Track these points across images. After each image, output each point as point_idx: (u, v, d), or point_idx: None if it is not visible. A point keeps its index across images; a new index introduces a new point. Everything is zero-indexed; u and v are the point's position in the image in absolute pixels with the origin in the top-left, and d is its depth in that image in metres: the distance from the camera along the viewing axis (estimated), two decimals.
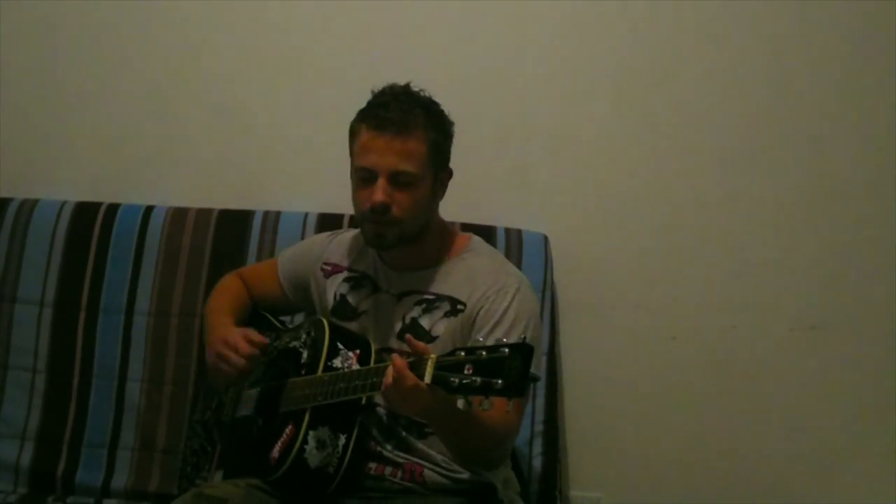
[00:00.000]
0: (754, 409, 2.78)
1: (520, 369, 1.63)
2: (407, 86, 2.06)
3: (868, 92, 2.70)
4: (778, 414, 2.78)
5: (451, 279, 2.09)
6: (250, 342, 2.09)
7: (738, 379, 2.78)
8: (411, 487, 2.04)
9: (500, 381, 1.63)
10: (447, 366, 1.70)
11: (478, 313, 2.03)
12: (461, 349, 1.72)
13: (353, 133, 2.05)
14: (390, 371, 1.77)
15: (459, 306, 2.05)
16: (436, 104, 2.07)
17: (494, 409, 1.76)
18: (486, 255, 2.16)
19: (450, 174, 2.12)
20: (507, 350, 1.65)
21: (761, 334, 2.76)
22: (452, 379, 1.67)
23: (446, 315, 2.05)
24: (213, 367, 2.15)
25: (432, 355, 1.73)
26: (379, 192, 1.98)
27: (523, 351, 1.65)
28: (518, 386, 1.63)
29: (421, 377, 1.72)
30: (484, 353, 1.67)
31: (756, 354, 2.77)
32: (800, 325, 2.75)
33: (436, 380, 1.70)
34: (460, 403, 1.70)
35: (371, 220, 2.03)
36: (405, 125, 1.98)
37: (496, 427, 1.93)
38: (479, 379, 1.65)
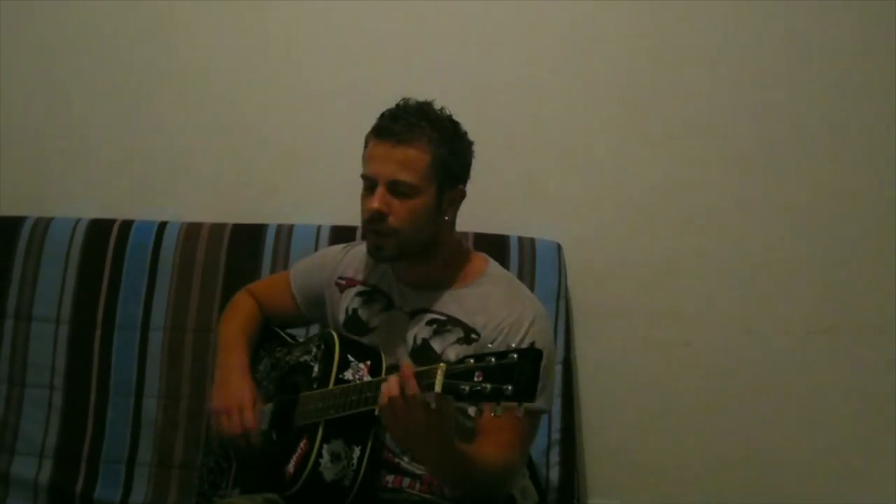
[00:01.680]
0: (771, 413, 2.77)
1: (529, 374, 1.63)
2: (425, 102, 2.05)
3: (881, 95, 2.69)
4: (794, 418, 2.77)
5: (466, 304, 2.08)
6: (244, 417, 2.08)
7: (754, 383, 2.77)
8: (430, 499, 2.03)
9: (510, 387, 1.63)
10: (457, 373, 1.69)
11: (492, 344, 2.00)
12: (470, 357, 1.71)
13: (365, 143, 2.06)
14: (391, 381, 1.77)
15: (473, 335, 2.03)
16: (451, 122, 2.05)
17: (492, 442, 1.78)
18: (502, 283, 2.14)
19: (461, 194, 2.09)
20: (516, 356, 1.65)
21: (776, 338, 2.75)
22: (463, 386, 1.67)
23: (459, 342, 2.04)
24: (215, 418, 2.15)
25: (441, 364, 1.72)
26: (375, 200, 1.98)
27: (532, 356, 1.65)
28: (528, 390, 1.62)
29: (431, 386, 1.71)
30: (493, 359, 1.67)
31: (771, 359, 2.76)
32: (815, 329, 2.74)
33: (446, 388, 1.69)
34: (472, 411, 1.69)
35: (370, 230, 2.03)
36: (406, 135, 1.98)
37: (494, 464, 1.91)
38: (489, 385, 1.64)
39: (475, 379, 1.66)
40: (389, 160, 1.98)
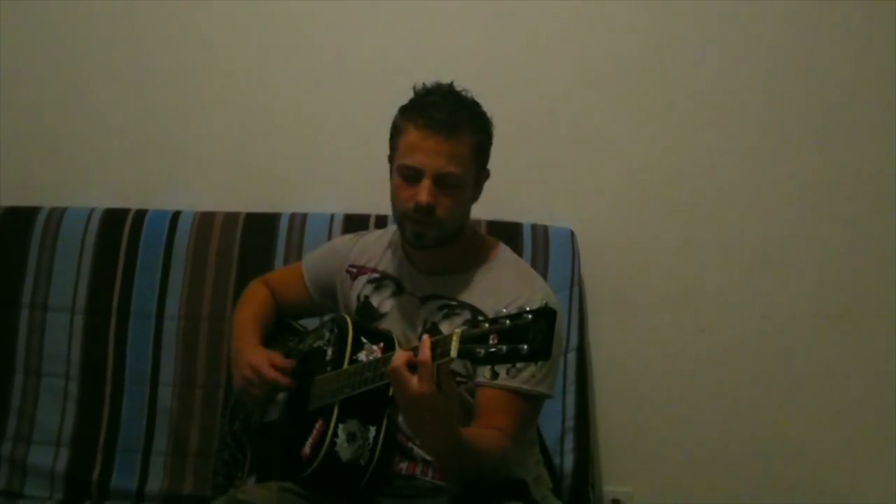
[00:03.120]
0: (785, 399, 2.77)
1: (545, 332, 1.62)
2: (451, 85, 2.04)
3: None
4: (809, 404, 2.76)
5: (476, 288, 2.08)
6: (275, 367, 2.11)
7: (768, 370, 2.76)
8: (443, 486, 2.03)
9: (525, 347, 1.62)
10: (472, 337, 1.68)
11: None
12: (485, 320, 1.70)
13: (399, 130, 2.03)
14: (401, 351, 1.76)
15: (480, 318, 2.02)
16: (479, 105, 2.05)
17: (492, 427, 1.82)
18: (512, 267, 2.14)
19: (487, 175, 2.10)
20: (530, 316, 1.64)
21: (790, 324, 2.75)
22: (478, 350, 1.67)
23: (466, 324, 2.03)
24: (240, 390, 2.18)
25: (457, 329, 1.72)
26: (424, 193, 1.97)
27: (546, 314, 1.64)
28: (544, 349, 1.62)
29: (447, 353, 1.70)
30: (507, 321, 1.66)
31: (786, 344, 2.75)
32: (829, 314, 2.74)
33: (462, 353, 1.68)
34: (486, 372, 1.69)
35: (413, 220, 2.01)
36: (455, 127, 1.97)
37: (492, 449, 1.91)
38: (504, 347, 1.64)
39: (490, 341, 1.66)
40: (440, 154, 1.97)
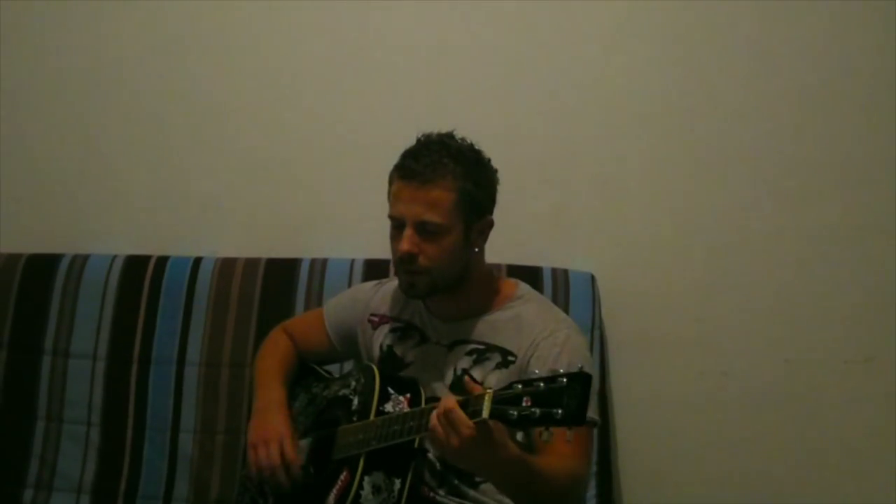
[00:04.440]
0: (810, 444, 2.73)
1: (579, 398, 1.61)
2: (445, 134, 2.05)
3: None
4: (834, 449, 2.73)
5: (501, 329, 2.08)
6: (284, 454, 2.08)
7: (793, 414, 2.73)
8: None
9: (559, 411, 1.61)
10: (505, 399, 1.68)
11: (529, 360, 2.01)
12: (518, 382, 1.69)
13: (389, 181, 2.06)
14: (436, 411, 1.75)
15: (510, 357, 2.03)
16: (473, 153, 2.05)
17: (554, 454, 1.74)
18: (534, 303, 2.14)
19: (489, 224, 2.09)
20: (564, 380, 1.63)
21: (815, 368, 2.72)
22: (511, 412, 1.65)
23: (497, 367, 2.03)
24: (250, 460, 2.15)
25: (489, 389, 1.71)
26: (405, 242, 1.99)
27: (581, 379, 1.63)
28: (578, 415, 1.61)
29: (478, 413, 1.69)
30: (542, 384, 1.65)
31: (810, 389, 2.72)
32: (854, 358, 2.71)
33: (494, 413, 1.68)
34: (520, 437, 1.68)
35: (402, 269, 2.04)
36: (430, 175, 1.97)
37: (558, 474, 1.88)
38: (538, 410, 1.63)
39: (524, 404, 1.65)
40: (415, 201, 1.98)
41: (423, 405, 1.99)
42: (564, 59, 2.74)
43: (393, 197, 2.03)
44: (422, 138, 2.05)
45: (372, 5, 2.79)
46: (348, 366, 2.43)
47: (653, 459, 2.77)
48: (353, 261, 2.70)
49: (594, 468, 2.52)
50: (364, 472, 1.94)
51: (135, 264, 2.74)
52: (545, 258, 2.68)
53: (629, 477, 2.76)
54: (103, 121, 2.89)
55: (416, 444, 1.84)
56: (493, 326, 2.09)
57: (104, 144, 2.89)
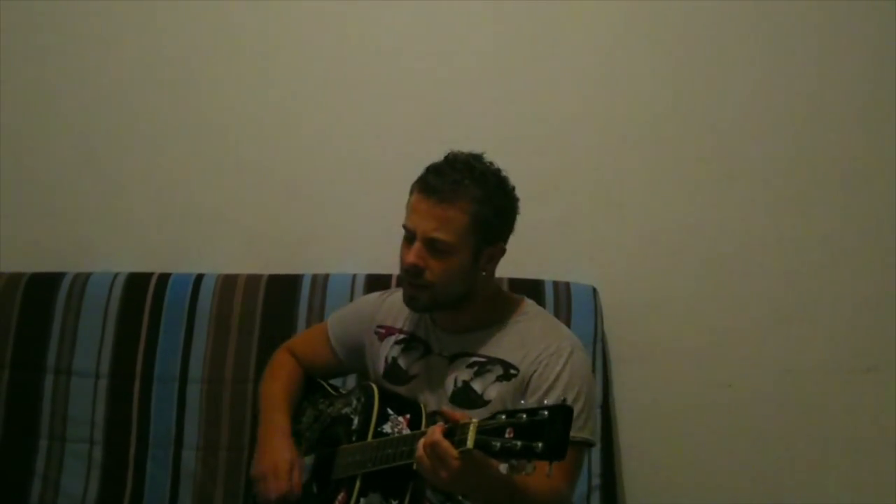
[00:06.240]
0: (814, 455, 2.73)
1: (560, 432, 1.62)
2: (473, 155, 2.05)
3: None
4: (837, 460, 2.73)
5: (504, 342, 2.08)
6: (291, 478, 2.10)
7: (796, 424, 2.73)
8: None
9: (540, 445, 1.62)
10: (489, 430, 1.69)
11: (531, 377, 2.01)
12: (502, 412, 1.71)
13: (410, 191, 2.06)
14: (422, 442, 1.77)
15: (512, 371, 2.04)
16: (497, 178, 2.04)
17: (539, 477, 1.75)
18: (539, 319, 2.14)
19: (501, 251, 2.09)
20: (546, 413, 1.64)
21: (817, 379, 2.72)
22: (494, 443, 1.67)
23: (498, 379, 2.04)
24: (257, 483, 2.16)
25: (474, 420, 1.73)
26: (412, 255, 2.00)
27: (563, 413, 1.64)
28: (558, 449, 1.62)
29: (463, 442, 1.71)
30: (524, 416, 1.66)
31: (812, 399, 2.72)
32: (856, 369, 2.71)
33: (478, 444, 1.69)
34: (503, 468, 1.69)
35: (406, 281, 2.05)
36: (448, 194, 1.98)
37: (541, 492, 1.90)
38: (519, 443, 1.64)
39: (506, 435, 1.66)
40: (429, 217, 1.99)
41: (423, 425, 2.00)
42: (566, 73, 2.75)
43: (410, 208, 2.03)
44: (450, 156, 2.05)
45: (376, 22, 2.80)
46: (352, 380, 2.44)
47: (656, 471, 2.77)
48: (354, 276, 2.70)
49: (598, 481, 2.53)
50: (360, 494, 1.95)
51: (136, 282, 2.74)
52: (547, 271, 2.68)
53: (632, 489, 2.75)
54: (105, 139, 2.90)
55: (413, 466, 1.84)
56: (497, 340, 2.09)
57: (105, 163, 2.90)
